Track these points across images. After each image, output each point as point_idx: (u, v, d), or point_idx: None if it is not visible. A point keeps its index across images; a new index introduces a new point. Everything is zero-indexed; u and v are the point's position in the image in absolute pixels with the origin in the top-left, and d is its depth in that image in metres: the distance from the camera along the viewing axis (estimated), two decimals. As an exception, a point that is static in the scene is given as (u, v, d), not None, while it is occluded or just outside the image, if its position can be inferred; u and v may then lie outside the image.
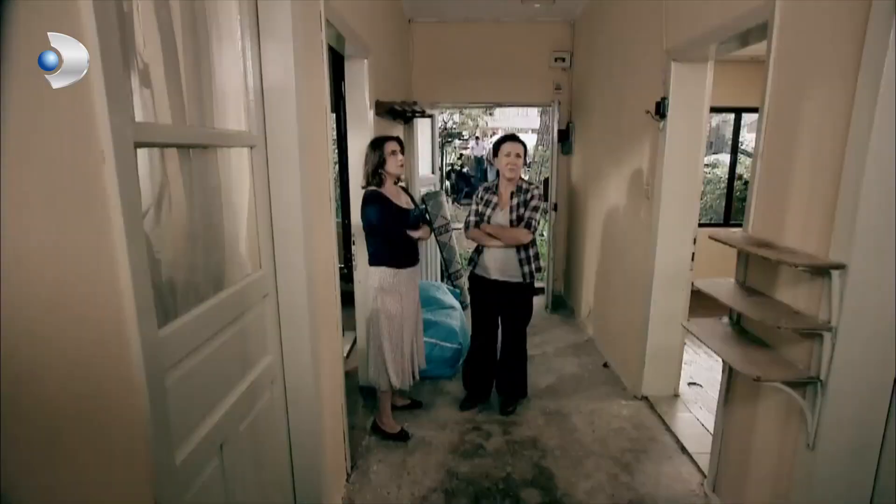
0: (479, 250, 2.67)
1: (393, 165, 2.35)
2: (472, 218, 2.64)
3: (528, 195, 2.55)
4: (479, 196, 2.68)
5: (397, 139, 2.41)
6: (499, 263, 2.58)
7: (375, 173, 2.35)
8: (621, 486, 2.20)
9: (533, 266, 2.59)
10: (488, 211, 2.60)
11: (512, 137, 2.62)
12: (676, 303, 2.74)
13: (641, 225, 2.89)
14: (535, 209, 2.54)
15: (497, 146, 2.62)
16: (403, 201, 2.44)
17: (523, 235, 2.52)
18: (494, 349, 2.82)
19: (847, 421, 1.43)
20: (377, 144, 2.37)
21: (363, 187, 2.41)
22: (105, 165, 0.78)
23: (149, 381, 0.89)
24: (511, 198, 2.57)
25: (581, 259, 4.29)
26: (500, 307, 2.70)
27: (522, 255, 2.57)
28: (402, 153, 2.41)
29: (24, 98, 0.65)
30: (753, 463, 1.82)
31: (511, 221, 2.55)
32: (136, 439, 0.88)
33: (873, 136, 1.25)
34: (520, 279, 2.59)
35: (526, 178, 2.56)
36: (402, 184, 2.57)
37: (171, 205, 1.14)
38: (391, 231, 2.35)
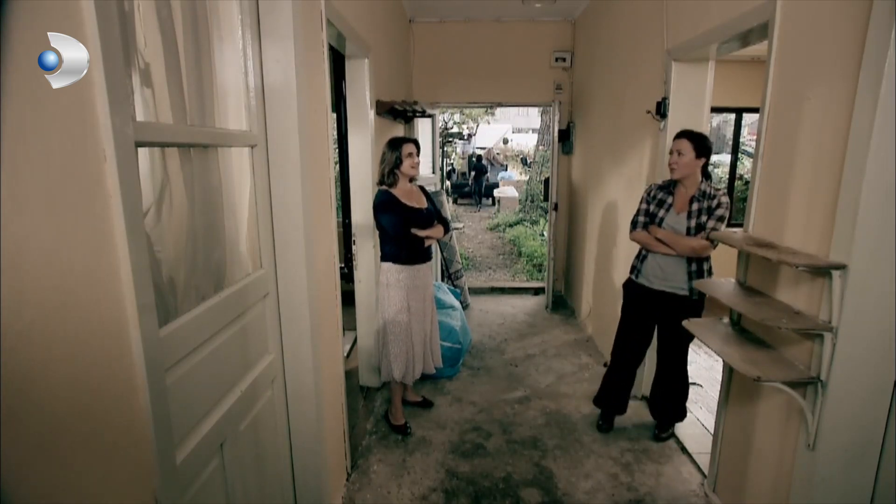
0: (641, 256, 2.38)
1: (407, 166, 2.44)
2: (641, 218, 2.33)
3: (715, 202, 2.16)
4: (651, 194, 2.35)
5: (414, 141, 2.49)
6: (664, 272, 2.28)
7: (391, 173, 2.44)
8: (621, 486, 2.20)
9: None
10: (661, 212, 2.28)
11: (677, 134, 2.23)
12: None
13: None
14: (721, 219, 2.14)
15: None
16: (415, 201, 2.50)
17: (701, 248, 2.15)
18: (636, 367, 2.57)
19: (847, 421, 1.43)
20: (395, 145, 2.43)
21: (378, 184, 2.50)
22: (106, 165, 0.79)
23: (149, 381, 0.89)
24: (691, 203, 2.22)
25: (581, 258, 4.29)
26: (659, 321, 2.42)
27: (694, 267, 2.23)
28: (418, 155, 2.50)
29: (24, 98, 0.65)
30: (753, 463, 1.82)
31: (688, 229, 2.21)
32: (137, 439, 0.88)
33: (874, 136, 1.25)
34: (686, 293, 2.26)
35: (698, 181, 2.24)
36: (420, 183, 2.64)
37: (171, 204, 1.14)
38: (395, 229, 2.42)
